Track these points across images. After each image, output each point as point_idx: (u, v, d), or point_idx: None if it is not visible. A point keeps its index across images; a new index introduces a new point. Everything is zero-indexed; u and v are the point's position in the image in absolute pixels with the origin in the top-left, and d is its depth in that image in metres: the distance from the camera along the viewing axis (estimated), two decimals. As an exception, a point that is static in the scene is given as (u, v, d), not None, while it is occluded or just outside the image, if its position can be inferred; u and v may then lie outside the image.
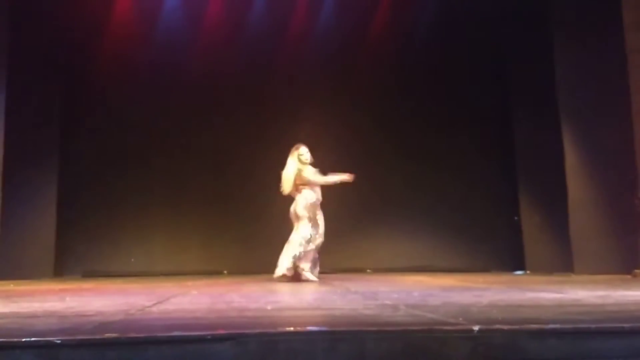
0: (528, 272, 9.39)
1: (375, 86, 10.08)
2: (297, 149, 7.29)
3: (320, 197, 7.19)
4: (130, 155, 9.81)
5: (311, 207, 7.10)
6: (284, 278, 6.90)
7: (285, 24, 10.36)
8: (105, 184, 9.71)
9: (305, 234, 7.00)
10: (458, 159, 10.10)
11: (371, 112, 9.97)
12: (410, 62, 10.22)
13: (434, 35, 10.21)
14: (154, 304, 3.93)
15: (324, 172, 7.30)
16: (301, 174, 7.16)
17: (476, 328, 2.32)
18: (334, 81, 9.99)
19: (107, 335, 2.29)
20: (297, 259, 6.93)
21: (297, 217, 7.12)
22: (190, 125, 9.94)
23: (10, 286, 6.52)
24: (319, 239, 7.07)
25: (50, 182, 9.28)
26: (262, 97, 9.97)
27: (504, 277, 7.75)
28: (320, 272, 7.26)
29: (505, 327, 2.38)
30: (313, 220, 7.07)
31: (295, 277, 6.93)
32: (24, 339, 2.22)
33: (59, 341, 2.19)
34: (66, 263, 9.45)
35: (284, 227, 8.51)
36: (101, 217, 9.64)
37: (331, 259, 7.88)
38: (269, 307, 3.60)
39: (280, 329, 2.40)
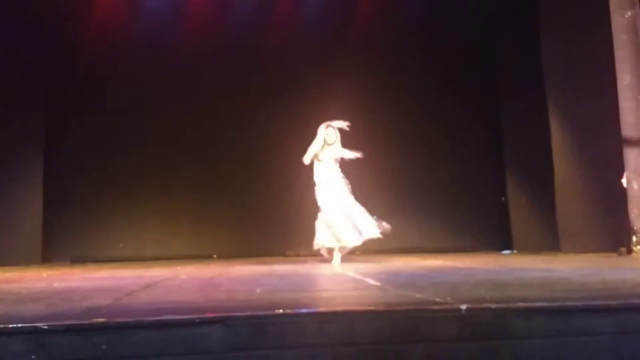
0: (515, 251, 9.46)
1: (364, 70, 10.03)
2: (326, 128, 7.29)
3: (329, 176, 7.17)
4: (118, 140, 9.73)
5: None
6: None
7: (273, 5, 10.28)
8: (93, 169, 9.63)
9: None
10: (445, 140, 10.12)
11: (359, 96, 9.92)
12: (399, 45, 10.19)
13: (422, 20, 10.20)
14: (143, 289, 3.93)
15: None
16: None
17: (464, 307, 2.34)
18: (322, 63, 9.94)
19: (95, 320, 2.27)
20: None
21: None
22: (179, 109, 9.86)
23: (-2, 273, 6.48)
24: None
25: (36, 167, 9.19)
26: (250, 81, 9.91)
27: (492, 257, 7.81)
28: (308, 255, 7.29)
29: (493, 305, 2.40)
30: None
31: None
32: (10, 325, 2.20)
33: (46, 327, 2.18)
34: (54, 249, 9.39)
35: (274, 211, 8.52)
36: (89, 202, 9.58)
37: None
38: (258, 290, 3.60)
39: (269, 312, 2.39)
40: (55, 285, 4.51)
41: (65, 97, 9.77)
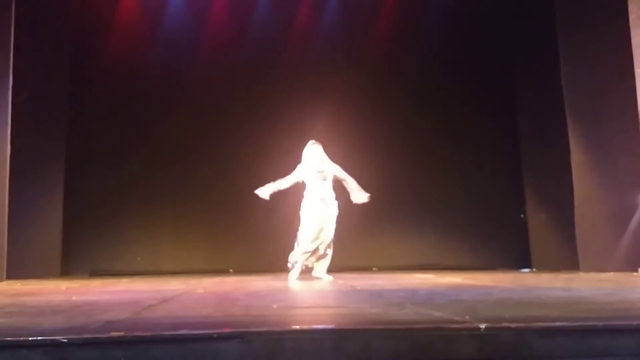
0: (534, 269, 9.37)
1: (381, 84, 10.06)
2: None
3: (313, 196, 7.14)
4: (137, 154, 9.82)
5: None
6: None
7: (290, 21, 10.37)
8: (112, 183, 9.72)
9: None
10: (464, 156, 10.08)
11: (376, 111, 9.95)
12: (415, 58, 10.21)
13: (440, 31, 10.21)
14: (160, 303, 3.94)
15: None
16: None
17: (483, 326, 2.31)
18: (339, 77, 9.96)
19: (114, 333, 2.28)
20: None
21: None
22: (197, 123, 9.94)
23: (17, 285, 6.53)
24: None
25: (56, 181, 9.30)
26: (267, 95, 9.96)
27: (510, 275, 7.73)
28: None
29: (513, 325, 2.37)
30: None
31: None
32: (30, 338, 2.22)
33: (65, 340, 2.19)
34: (73, 262, 9.47)
35: (291, 226, 8.50)
36: (108, 216, 9.66)
37: (337, 258, 7.87)
38: (275, 306, 3.59)
39: (287, 328, 2.39)
40: (74, 298, 4.54)
41: (85, 113, 9.89)
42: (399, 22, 10.36)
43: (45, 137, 9.03)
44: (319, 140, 7.50)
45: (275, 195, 9.64)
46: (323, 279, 6.85)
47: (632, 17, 7.09)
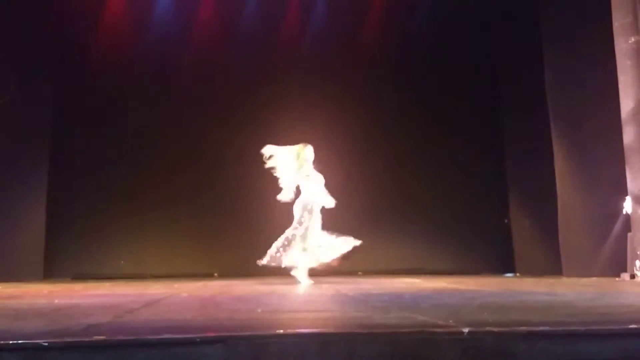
0: (518, 274, 9.43)
1: (368, 88, 10.10)
2: (305, 147, 7.28)
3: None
4: (122, 158, 9.77)
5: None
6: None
7: (278, 21, 10.40)
8: (96, 186, 9.66)
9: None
10: (449, 162, 10.14)
11: (363, 116, 9.98)
12: (403, 66, 10.26)
13: (426, 40, 10.27)
14: (143, 307, 3.91)
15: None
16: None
17: (466, 330, 2.32)
18: (327, 80, 9.99)
19: (96, 337, 2.26)
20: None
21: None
22: (183, 128, 9.92)
23: (-1, 288, 6.46)
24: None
25: (40, 184, 9.22)
26: (256, 98, 9.96)
27: (495, 280, 7.77)
28: (310, 275, 7.25)
29: (496, 329, 2.38)
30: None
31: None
32: (11, 342, 2.19)
33: (46, 344, 2.17)
34: (56, 265, 9.38)
35: (275, 230, 8.51)
36: (91, 220, 9.59)
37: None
38: (259, 310, 3.58)
39: (271, 332, 2.38)
40: (56, 301, 4.49)
41: (70, 116, 9.83)
42: (387, 33, 10.39)
43: (29, 139, 8.96)
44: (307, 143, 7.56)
45: (260, 200, 9.63)
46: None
47: (616, 26, 7.16)
